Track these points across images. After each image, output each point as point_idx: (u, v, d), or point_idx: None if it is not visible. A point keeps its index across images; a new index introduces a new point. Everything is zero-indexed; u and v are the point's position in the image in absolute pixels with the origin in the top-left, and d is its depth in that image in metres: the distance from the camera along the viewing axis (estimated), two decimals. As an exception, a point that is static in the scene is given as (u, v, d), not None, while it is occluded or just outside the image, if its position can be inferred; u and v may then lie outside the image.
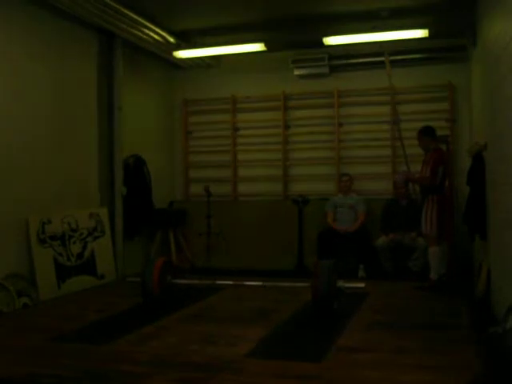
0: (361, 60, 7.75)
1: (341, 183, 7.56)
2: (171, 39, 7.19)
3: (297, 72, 8.00)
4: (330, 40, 6.77)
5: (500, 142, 4.37)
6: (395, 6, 6.24)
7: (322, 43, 6.85)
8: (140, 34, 6.72)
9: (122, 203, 6.96)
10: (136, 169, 7.38)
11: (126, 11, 6.16)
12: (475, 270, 6.13)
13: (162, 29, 6.94)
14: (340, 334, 4.14)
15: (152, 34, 6.84)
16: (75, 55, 6.47)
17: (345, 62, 7.83)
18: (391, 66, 6.55)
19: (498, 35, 4.34)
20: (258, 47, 7.10)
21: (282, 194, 8.14)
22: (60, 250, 5.94)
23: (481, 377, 3.11)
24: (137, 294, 5.07)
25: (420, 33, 6.50)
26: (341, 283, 4.80)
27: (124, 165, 7.09)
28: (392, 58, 6.84)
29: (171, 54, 7.45)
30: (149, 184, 7.57)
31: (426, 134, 6.01)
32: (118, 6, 6.01)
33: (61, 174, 6.14)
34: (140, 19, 6.45)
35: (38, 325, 4.65)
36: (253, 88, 8.21)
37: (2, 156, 5.32)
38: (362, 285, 5.36)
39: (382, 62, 6.70)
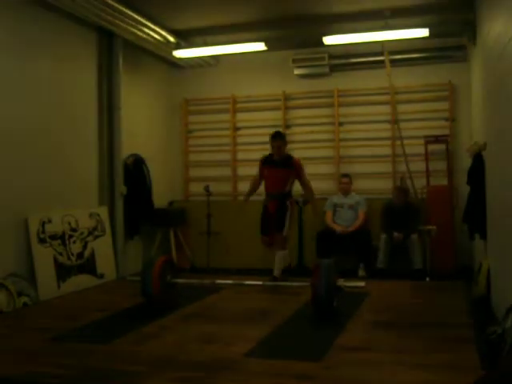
0: (361, 59, 7.73)
1: (340, 184, 7.55)
2: (171, 38, 7.19)
3: (297, 71, 7.99)
4: (330, 39, 6.77)
5: (499, 141, 4.37)
6: (395, 5, 6.25)
7: (322, 43, 6.85)
8: (140, 33, 6.72)
9: (122, 202, 6.97)
10: (136, 168, 7.38)
11: (125, 10, 6.17)
12: (475, 269, 6.13)
13: (162, 28, 6.94)
14: (340, 333, 4.13)
15: (152, 33, 6.85)
16: (75, 54, 6.47)
17: (345, 61, 7.81)
18: (391, 65, 6.55)
19: (498, 35, 4.34)
20: (258, 46, 7.11)
21: (282, 194, 8.11)
22: (60, 250, 5.94)
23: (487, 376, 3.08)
24: (137, 294, 5.06)
25: (420, 32, 6.49)
26: (341, 282, 4.79)
27: (124, 164, 7.09)
28: (392, 57, 6.85)
29: (171, 54, 7.46)
30: (149, 183, 7.57)
31: (284, 138, 6.21)
32: (117, 5, 6.01)
33: (61, 173, 6.14)
34: (140, 18, 6.45)
35: (38, 324, 4.65)
36: (253, 87, 8.20)
37: (2, 155, 5.32)
38: (362, 284, 5.35)
39: (382, 62, 6.71)
